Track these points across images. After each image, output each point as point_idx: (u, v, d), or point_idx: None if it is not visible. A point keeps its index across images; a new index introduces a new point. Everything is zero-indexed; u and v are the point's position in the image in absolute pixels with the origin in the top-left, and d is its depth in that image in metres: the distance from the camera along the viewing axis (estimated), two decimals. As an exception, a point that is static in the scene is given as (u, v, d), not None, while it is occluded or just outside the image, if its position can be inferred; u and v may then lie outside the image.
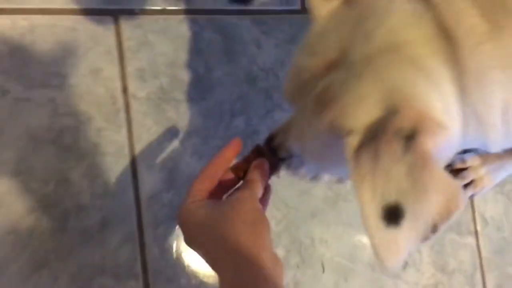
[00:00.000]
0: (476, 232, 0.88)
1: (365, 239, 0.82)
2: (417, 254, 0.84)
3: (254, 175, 0.53)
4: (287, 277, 0.77)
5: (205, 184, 0.52)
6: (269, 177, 0.57)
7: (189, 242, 0.50)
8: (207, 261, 0.48)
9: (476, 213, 0.88)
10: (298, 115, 0.49)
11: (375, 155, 0.37)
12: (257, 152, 0.57)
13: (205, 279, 0.74)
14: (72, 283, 0.69)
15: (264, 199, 0.56)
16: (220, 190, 0.54)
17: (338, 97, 0.41)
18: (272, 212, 0.78)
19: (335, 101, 0.41)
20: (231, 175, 0.56)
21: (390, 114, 0.38)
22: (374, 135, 0.38)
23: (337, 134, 0.40)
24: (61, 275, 0.69)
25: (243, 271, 0.43)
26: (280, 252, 0.78)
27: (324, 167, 0.58)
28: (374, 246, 0.37)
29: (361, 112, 0.39)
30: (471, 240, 0.88)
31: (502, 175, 0.84)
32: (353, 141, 0.39)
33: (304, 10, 0.84)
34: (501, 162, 0.82)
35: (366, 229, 0.37)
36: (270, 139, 0.58)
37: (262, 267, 0.44)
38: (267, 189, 0.57)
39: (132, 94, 0.74)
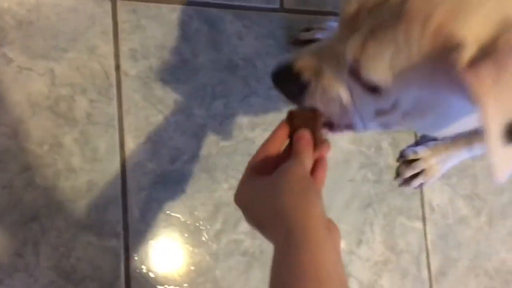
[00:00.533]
0: (423, 218, 0.99)
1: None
2: (370, 233, 0.94)
3: (299, 146, 0.52)
4: (254, 244, 0.86)
5: (257, 164, 0.52)
6: (320, 132, 0.55)
7: (248, 218, 0.50)
8: (263, 234, 0.48)
9: (425, 201, 0.99)
10: (380, 34, 0.43)
11: (496, 71, 0.36)
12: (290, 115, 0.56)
13: (181, 240, 0.83)
14: (59, 237, 0.77)
15: (318, 175, 0.54)
16: (271, 166, 0.53)
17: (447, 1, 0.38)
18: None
19: (443, 4, 0.38)
20: (279, 152, 0.55)
21: (507, 26, 0.36)
22: (490, 50, 0.36)
23: (442, 46, 0.38)
24: (50, 230, 0.76)
25: (293, 236, 0.42)
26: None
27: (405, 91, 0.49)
28: (492, 162, 0.37)
29: (474, 18, 0.37)
30: (418, 224, 0.98)
31: (448, 165, 0.95)
32: (465, 56, 0.37)
33: (282, 9, 0.94)
34: (448, 154, 0.93)
35: (487, 145, 0.37)
36: (287, 67, 0.52)
37: (312, 231, 0.43)
38: (321, 164, 0.54)
39: (124, 72, 0.83)
